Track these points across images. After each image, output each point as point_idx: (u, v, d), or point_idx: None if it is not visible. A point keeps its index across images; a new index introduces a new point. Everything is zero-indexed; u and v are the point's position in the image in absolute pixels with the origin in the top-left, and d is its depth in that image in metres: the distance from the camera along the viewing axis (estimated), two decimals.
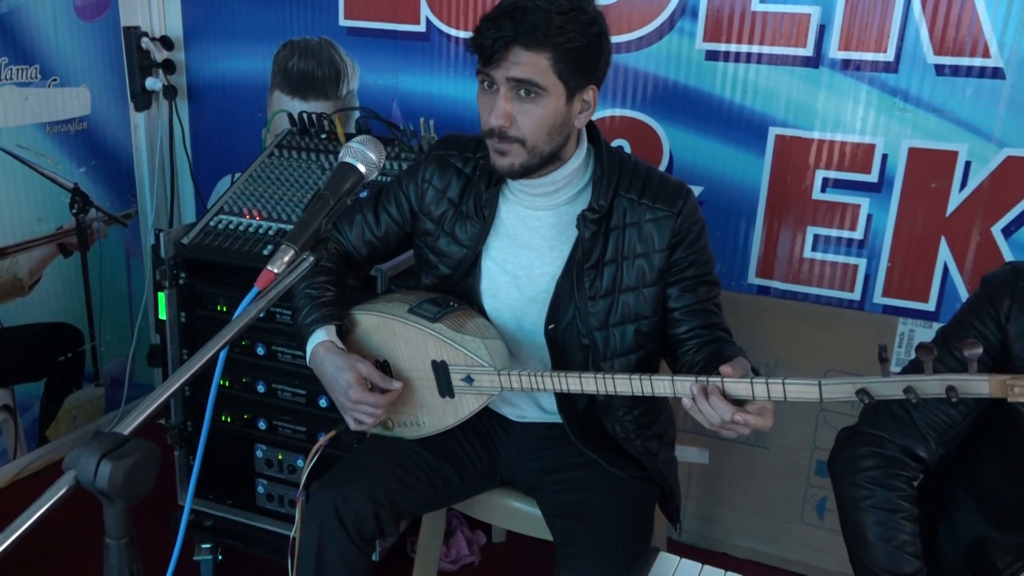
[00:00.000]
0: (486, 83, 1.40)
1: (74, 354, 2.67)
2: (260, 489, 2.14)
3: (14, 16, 2.26)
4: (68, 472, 0.83)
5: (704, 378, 1.19)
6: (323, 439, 1.61)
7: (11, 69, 2.28)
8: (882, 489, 1.28)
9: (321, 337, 1.49)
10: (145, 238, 2.84)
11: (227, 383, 2.10)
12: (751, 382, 1.14)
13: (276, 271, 1.05)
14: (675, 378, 1.24)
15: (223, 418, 2.13)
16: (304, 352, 1.53)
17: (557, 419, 1.59)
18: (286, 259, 1.06)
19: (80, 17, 2.46)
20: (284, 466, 2.09)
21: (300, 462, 2.06)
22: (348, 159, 1.19)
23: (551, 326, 1.52)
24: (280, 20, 2.59)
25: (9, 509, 2.00)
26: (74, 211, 2.57)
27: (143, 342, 2.89)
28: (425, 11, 2.39)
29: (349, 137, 2.25)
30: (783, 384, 1.11)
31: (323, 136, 2.27)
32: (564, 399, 1.55)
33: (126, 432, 0.88)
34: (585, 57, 1.38)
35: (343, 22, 2.51)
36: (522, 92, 1.36)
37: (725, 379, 1.16)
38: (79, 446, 0.83)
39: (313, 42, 2.57)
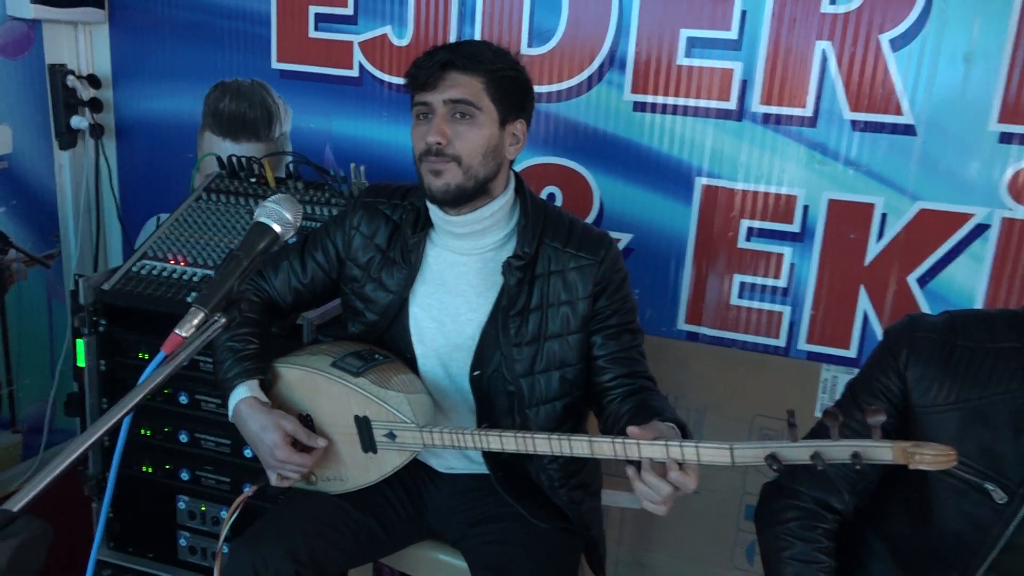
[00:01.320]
0: (421, 113, 1.46)
1: None
2: (182, 542, 2.08)
3: None
4: None
5: (620, 440, 1.20)
6: (246, 492, 1.58)
7: None
8: (800, 542, 1.30)
9: (243, 393, 1.46)
10: (67, 280, 2.75)
11: (148, 432, 2.04)
12: (665, 445, 1.15)
13: (185, 335, 1.03)
14: (593, 439, 1.25)
15: (144, 468, 2.07)
16: (226, 405, 1.50)
17: (483, 469, 1.59)
18: (195, 322, 1.04)
19: (3, 55, 2.40)
20: (208, 518, 2.04)
21: (224, 514, 2.01)
22: (263, 219, 1.18)
23: (476, 372, 1.52)
24: (212, 61, 2.56)
25: None
26: None
27: (64, 386, 2.80)
28: (358, 56, 2.39)
29: (279, 182, 2.24)
30: (696, 448, 1.12)
31: (252, 180, 2.24)
32: None
33: (15, 508, 0.85)
34: (515, 89, 1.49)
35: (276, 65, 2.50)
36: (458, 114, 1.44)
37: (640, 442, 1.17)
38: None
39: (245, 84, 2.55)
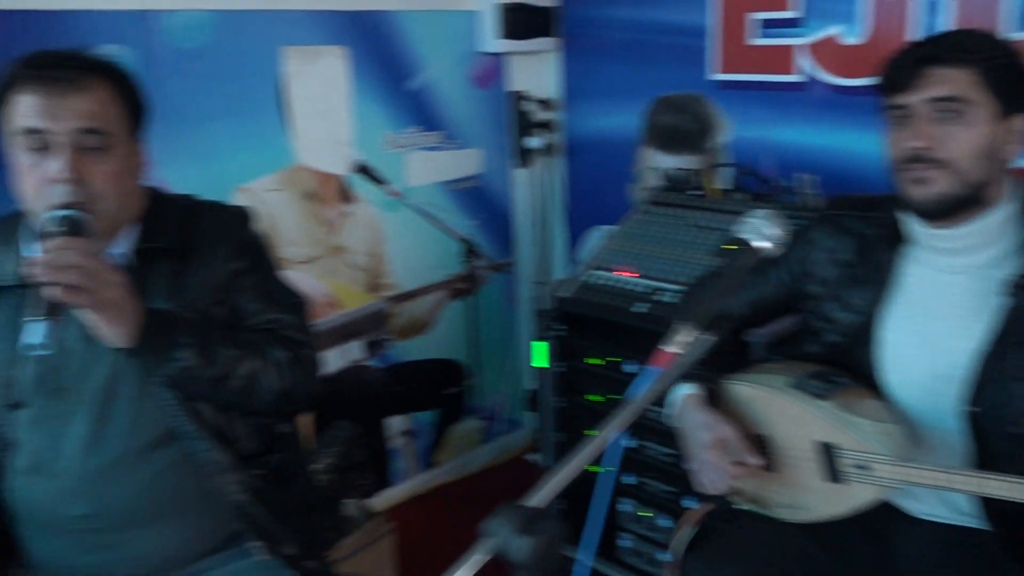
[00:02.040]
0: (897, 117, 1.33)
1: (460, 388, 2.96)
2: (626, 543, 2.17)
3: (425, 90, 2.59)
4: (487, 540, 0.90)
5: None
6: (699, 508, 1.59)
7: (421, 135, 2.61)
8: None
9: (691, 390, 1.47)
10: (521, 286, 3.06)
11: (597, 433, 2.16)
12: None
13: (675, 351, 1.05)
14: None
15: (589, 467, 2.20)
16: (666, 406, 1.52)
17: (973, 522, 1.39)
18: (685, 339, 1.06)
19: (475, 86, 2.74)
20: (649, 523, 2.10)
21: (663, 521, 2.06)
22: (748, 235, 1.16)
23: (974, 409, 1.34)
24: (651, 77, 2.65)
25: (406, 523, 2.22)
26: (464, 260, 2.85)
27: (515, 382, 3.12)
28: (803, 60, 2.29)
29: (723, 193, 2.23)
30: None
31: (693, 192, 2.27)
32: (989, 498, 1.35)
33: (538, 505, 0.93)
34: (1013, 76, 1.30)
35: (713, 76, 2.50)
36: (945, 112, 1.29)
37: None
38: (497, 516, 0.90)
39: (682, 97, 2.59)
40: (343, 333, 2.55)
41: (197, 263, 1.42)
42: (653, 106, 2.66)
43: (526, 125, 2.87)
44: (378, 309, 2.64)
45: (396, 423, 2.79)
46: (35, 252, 1.22)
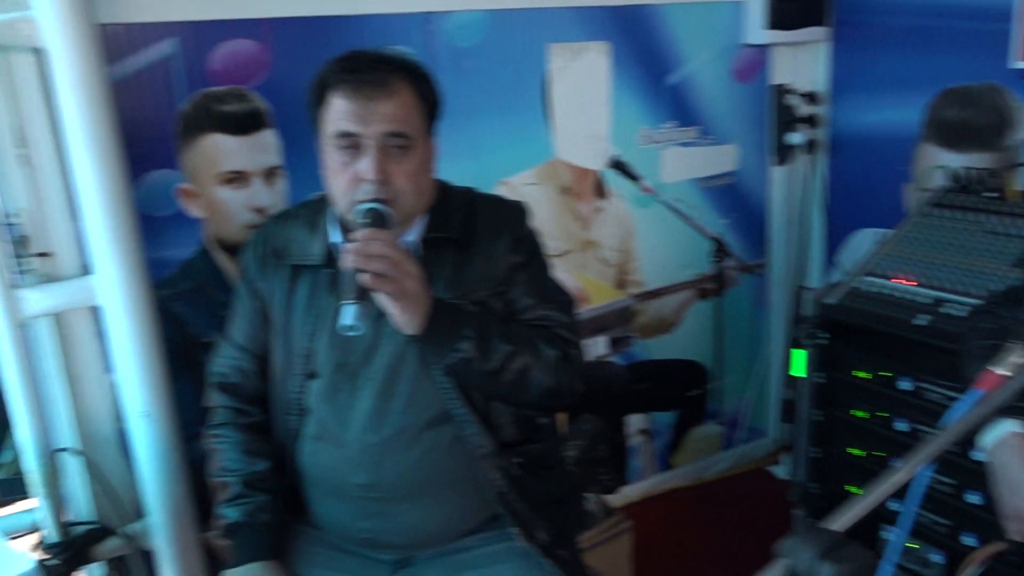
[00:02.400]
0: None
1: (702, 391, 2.87)
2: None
3: (683, 84, 2.53)
4: (782, 560, 0.85)
5: None
6: (989, 548, 1.42)
7: (677, 131, 2.55)
8: None
9: (1015, 427, 1.30)
10: (772, 289, 2.92)
11: (863, 454, 2.01)
12: None
13: (1007, 373, 0.93)
14: None
15: (851, 488, 2.05)
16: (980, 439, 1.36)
17: None
18: (1018, 360, 0.93)
19: (736, 79, 2.64)
20: (917, 557, 1.92)
21: (935, 556, 1.87)
22: None
23: None
24: (937, 67, 2.41)
25: (640, 522, 2.20)
26: (714, 259, 2.76)
27: (760, 390, 2.98)
28: None
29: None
30: None
31: (988, 194, 2.03)
32: None
33: (838, 529, 0.86)
34: None
35: (1017, 64, 2.22)
36: None
37: None
38: (796, 536, 0.84)
39: (975, 89, 2.33)
40: (590, 328, 2.56)
41: (478, 255, 1.48)
42: (938, 99, 2.42)
43: (788, 120, 2.72)
44: (625, 306, 2.62)
45: (635, 421, 2.77)
46: (345, 241, 1.33)
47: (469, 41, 2.12)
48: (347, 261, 1.27)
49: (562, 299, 1.55)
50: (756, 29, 2.53)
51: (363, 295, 1.26)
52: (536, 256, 1.54)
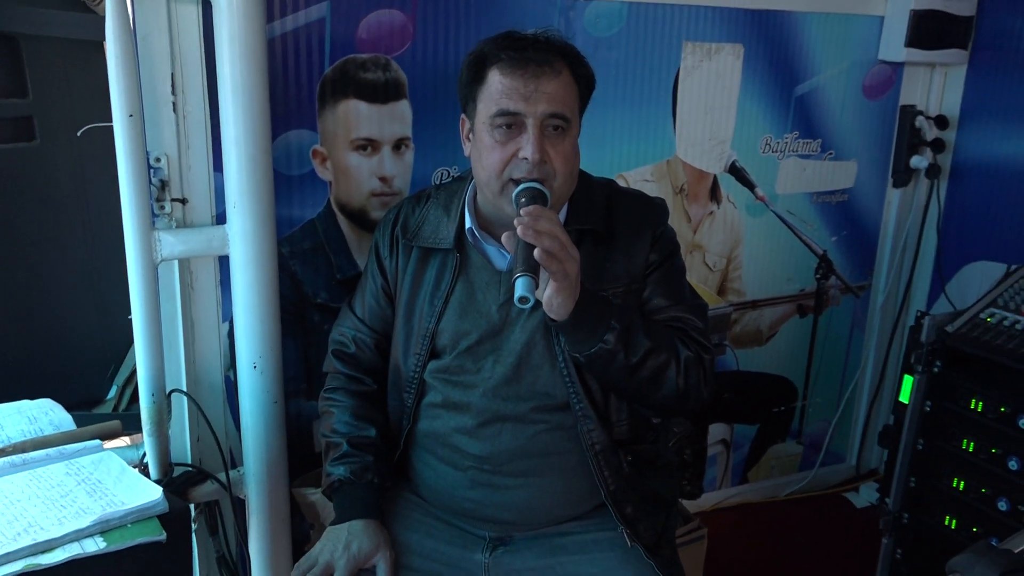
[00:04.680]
0: None
1: (787, 408, 2.82)
2: None
3: (810, 96, 2.48)
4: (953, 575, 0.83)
5: None
6: None
7: (798, 142, 2.50)
8: None
9: None
10: (873, 314, 2.85)
11: (962, 485, 1.95)
12: None
13: None
14: None
15: (946, 521, 2.00)
16: None
17: None
18: None
19: (865, 96, 2.57)
20: None
21: None
22: None
23: None
24: None
25: (711, 533, 2.18)
26: (817, 276, 2.71)
27: (847, 413, 2.92)
28: None
29: None
30: None
31: None
32: None
33: (1017, 551, 0.84)
34: None
35: None
36: None
37: None
38: (972, 554, 0.82)
39: None
40: None
41: (617, 249, 1.47)
42: None
43: (913, 142, 2.64)
44: (724, 313, 2.59)
45: (716, 431, 2.73)
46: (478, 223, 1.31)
47: (606, 31, 2.11)
48: (519, 233, 1.25)
49: (697, 302, 1.53)
50: (895, 46, 2.46)
51: (534, 268, 1.25)
52: (673, 256, 1.53)
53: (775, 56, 2.36)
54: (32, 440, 1.43)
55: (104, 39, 1.50)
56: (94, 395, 2.94)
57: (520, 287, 1.23)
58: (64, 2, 2.53)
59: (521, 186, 1.34)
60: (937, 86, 2.64)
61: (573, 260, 1.29)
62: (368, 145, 1.89)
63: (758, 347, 2.70)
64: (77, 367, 2.85)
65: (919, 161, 2.64)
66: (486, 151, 1.39)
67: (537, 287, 1.26)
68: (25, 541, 1.12)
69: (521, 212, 1.28)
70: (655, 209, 1.55)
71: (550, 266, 1.26)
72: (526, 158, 1.35)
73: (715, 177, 2.41)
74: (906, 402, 2.04)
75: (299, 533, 1.93)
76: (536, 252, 1.24)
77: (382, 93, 1.87)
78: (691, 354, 1.44)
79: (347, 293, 1.75)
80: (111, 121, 1.54)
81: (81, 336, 2.84)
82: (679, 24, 2.19)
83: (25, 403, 1.57)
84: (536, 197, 1.33)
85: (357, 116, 1.86)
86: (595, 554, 1.48)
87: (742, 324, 2.64)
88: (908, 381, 2.03)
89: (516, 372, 1.45)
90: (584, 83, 1.43)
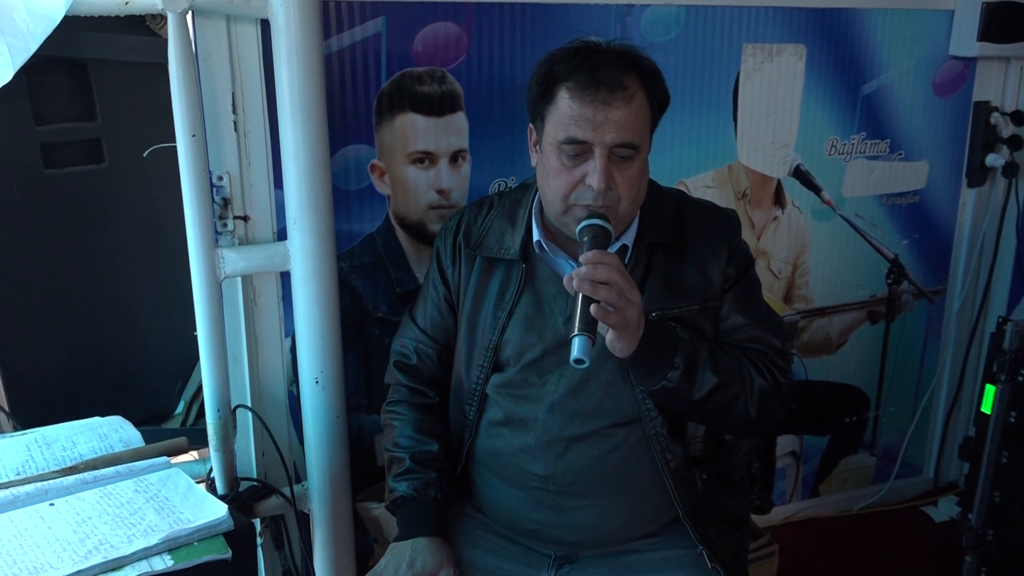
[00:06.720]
0: None
1: (859, 419, 2.73)
2: None
3: (878, 94, 2.39)
4: None
5: None
6: None
7: (866, 143, 2.42)
8: None
9: None
10: (948, 319, 2.73)
11: None
12: None
13: None
14: None
15: None
16: None
17: None
18: None
19: (936, 93, 2.48)
20: None
21: None
22: None
23: None
24: None
25: (782, 548, 2.11)
26: (889, 281, 2.61)
27: (924, 424, 2.81)
28: None
29: None
30: None
31: None
32: None
33: None
34: None
35: None
36: None
37: None
38: None
39: None
40: None
41: (690, 264, 1.42)
42: None
43: (988, 140, 2.53)
44: (791, 321, 2.51)
45: (785, 443, 2.65)
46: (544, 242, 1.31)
47: (664, 36, 2.07)
48: (576, 286, 1.21)
49: (773, 320, 1.48)
50: (966, 40, 2.37)
51: (591, 325, 1.20)
52: (748, 270, 1.48)
53: (839, 55, 2.29)
54: (103, 457, 1.45)
55: (167, 61, 1.52)
56: (163, 410, 3.00)
57: (576, 349, 1.19)
58: (129, 26, 2.59)
59: (585, 223, 1.30)
60: (1012, 81, 2.53)
61: (633, 306, 1.25)
62: (425, 158, 1.89)
63: (827, 356, 2.61)
64: (147, 383, 2.91)
65: (995, 159, 2.53)
66: (553, 173, 1.35)
67: (594, 344, 1.21)
68: (96, 559, 1.14)
69: (580, 260, 1.25)
70: (729, 220, 1.50)
71: (608, 320, 1.22)
72: (591, 186, 1.31)
73: (779, 181, 2.35)
74: (988, 412, 1.95)
75: (363, 547, 1.92)
76: (593, 308, 1.19)
77: (438, 106, 1.86)
78: (766, 384, 1.38)
79: (406, 307, 1.75)
80: (175, 142, 1.56)
81: (150, 353, 2.91)
82: (738, 26, 2.14)
83: (96, 420, 1.60)
84: (598, 236, 1.29)
85: (414, 129, 1.86)
86: (666, 574, 1.44)
87: (810, 332, 2.56)
88: (990, 390, 1.94)
89: (583, 387, 1.42)
90: (657, 102, 1.38)
